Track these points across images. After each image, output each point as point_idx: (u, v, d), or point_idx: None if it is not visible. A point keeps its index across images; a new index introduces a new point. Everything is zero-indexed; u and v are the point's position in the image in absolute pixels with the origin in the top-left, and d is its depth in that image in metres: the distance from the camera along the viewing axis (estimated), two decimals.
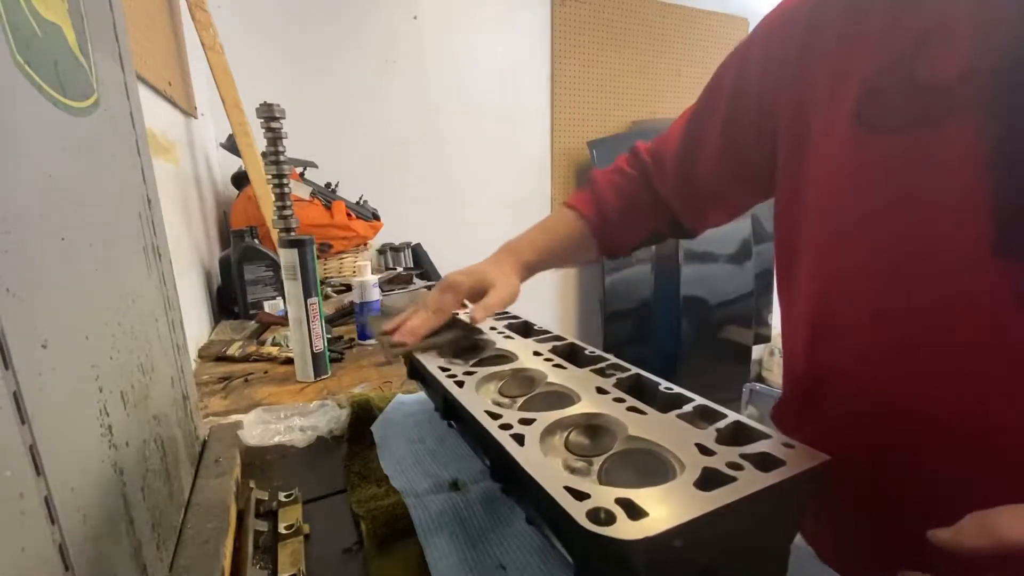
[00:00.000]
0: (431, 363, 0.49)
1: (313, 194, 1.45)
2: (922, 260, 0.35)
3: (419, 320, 0.52)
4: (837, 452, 0.43)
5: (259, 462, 0.56)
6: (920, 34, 0.34)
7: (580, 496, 0.27)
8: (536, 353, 0.50)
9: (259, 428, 0.61)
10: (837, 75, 0.40)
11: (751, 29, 2.25)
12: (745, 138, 0.51)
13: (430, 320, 0.52)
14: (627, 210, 0.61)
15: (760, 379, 2.96)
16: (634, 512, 0.26)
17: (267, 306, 1.16)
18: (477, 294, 0.54)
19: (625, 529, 0.25)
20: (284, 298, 0.84)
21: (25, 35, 0.25)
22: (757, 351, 2.93)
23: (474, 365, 0.49)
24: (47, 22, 0.28)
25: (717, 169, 0.55)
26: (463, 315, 0.59)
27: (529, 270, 0.58)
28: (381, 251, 1.87)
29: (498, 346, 0.54)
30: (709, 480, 0.29)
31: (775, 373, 2.92)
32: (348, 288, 1.30)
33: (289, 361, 0.83)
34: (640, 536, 0.24)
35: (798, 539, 0.57)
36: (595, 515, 0.26)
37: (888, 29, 0.36)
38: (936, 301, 0.35)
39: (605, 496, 0.27)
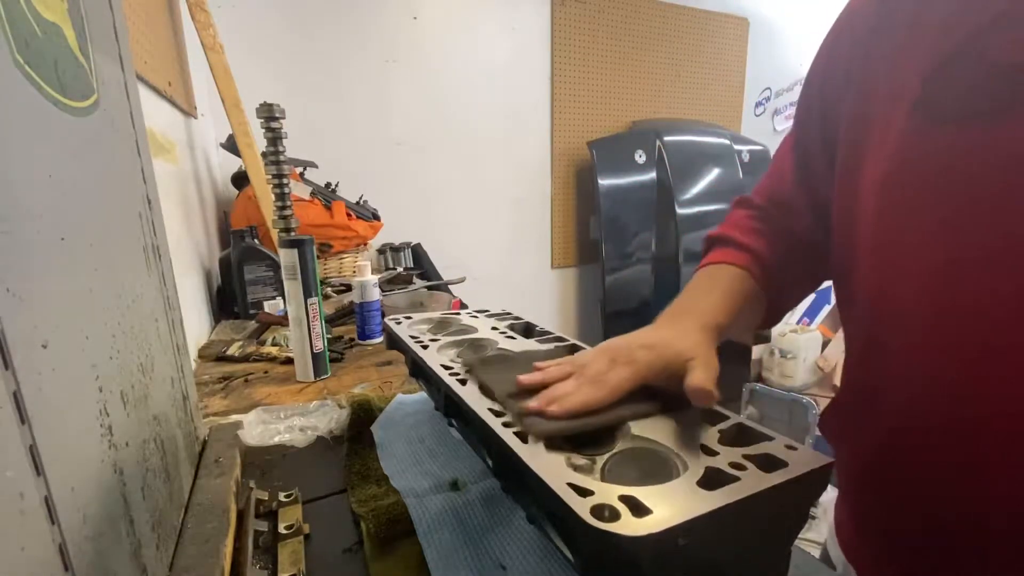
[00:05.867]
0: (433, 361, 0.49)
1: (313, 194, 1.45)
2: (988, 263, 0.32)
3: (571, 387, 0.37)
4: (884, 466, 0.41)
5: (259, 462, 0.56)
6: (997, 12, 0.30)
7: (584, 492, 0.27)
8: None
9: (259, 428, 0.61)
10: (901, 63, 0.36)
11: (751, 29, 2.22)
12: (814, 160, 0.47)
13: (587, 393, 0.37)
14: (781, 255, 0.52)
15: (760, 379, 2.96)
16: (638, 509, 0.26)
17: (267, 306, 1.16)
18: (663, 372, 0.39)
19: (630, 526, 0.25)
20: (284, 298, 0.84)
21: (25, 35, 0.25)
22: (757, 351, 2.93)
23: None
24: (47, 22, 0.28)
25: (802, 200, 0.50)
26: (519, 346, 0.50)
27: (719, 335, 0.44)
28: (381, 251, 1.87)
29: (500, 346, 0.54)
30: (712, 480, 0.29)
31: (775, 373, 2.92)
32: (348, 288, 1.30)
33: (289, 361, 0.83)
34: (645, 533, 0.24)
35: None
36: (599, 512, 0.26)
37: (961, 8, 0.32)
38: (1003, 307, 0.31)
39: (609, 493, 0.27)
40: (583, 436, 0.35)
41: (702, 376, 0.37)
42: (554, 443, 0.34)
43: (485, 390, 0.41)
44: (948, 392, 0.35)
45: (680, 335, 0.41)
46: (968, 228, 0.33)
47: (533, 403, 0.36)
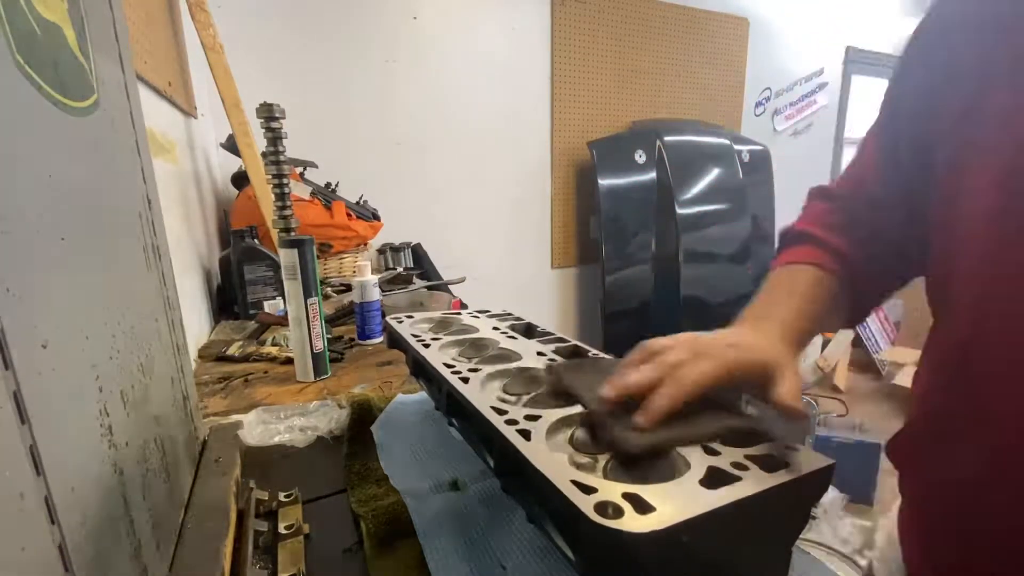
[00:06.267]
0: (435, 359, 0.49)
1: (313, 194, 1.45)
2: None
3: (666, 397, 0.34)
4: (971, 496, 0.37)
5: (259, 462, 0.56)
6: None
7: (588, 490, 0.27)
8: (540, 354, 0.50)
9: (259, 428, 0.61)
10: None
11: (751, 29, 2.22)
12: (904, 154, 0.44)
13: (680, 394, 0.34)
14: (865, 253, 0.48)
15: None
16: (641, 507, 0.26)
17: (267, 306, 1.16)
18: (746, 375, 0.37)
19: (634, 523, 0.25)
20: (284, 298, 0.84)
21: (25, 35, 0.25)
22: None
23: (479, 363, 0.49)
24: (47, 22, 0.28)
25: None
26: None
27: (801, 343, 0.42)
28: (381, 251, 1.87)
29: (501, 346, 0.54)
30: (715, 479, 0.29)
31: None
32: (348, 288, 1.30)
33: (289, 361, 0.82)
34: (649, 530, 0.24)
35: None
36: (603, 509, 0.26)
37: None
38: None
39: (612, 490, 0.27)
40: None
41: (791, 390, 0.35)
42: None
43: (579, 399, 0.39)
44: None
45: (764, 341, 0.39)
46: None
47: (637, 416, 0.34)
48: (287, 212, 0.77)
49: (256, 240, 1.20)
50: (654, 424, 0.33)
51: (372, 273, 0.98)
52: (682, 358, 0.36)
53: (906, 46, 0.42)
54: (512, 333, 0.57)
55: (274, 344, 0.93)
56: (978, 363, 0.35)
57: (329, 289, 1.34)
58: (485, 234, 2.24)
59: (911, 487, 0.44)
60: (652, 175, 2.29)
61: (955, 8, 0.39)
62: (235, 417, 0.63)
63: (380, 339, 0.98)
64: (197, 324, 1.05)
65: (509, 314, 0.67)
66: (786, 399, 0.34)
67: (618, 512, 0.26)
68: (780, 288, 0.48)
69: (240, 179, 1.44)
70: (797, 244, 0.51)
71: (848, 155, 2.00)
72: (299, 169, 1.55)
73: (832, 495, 1.61)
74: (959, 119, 0.37)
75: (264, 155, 0.79)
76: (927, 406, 0.41)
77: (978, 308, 0.35)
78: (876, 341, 3.18)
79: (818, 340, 2.93)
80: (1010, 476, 0.34)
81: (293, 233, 0.78)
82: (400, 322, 0.64)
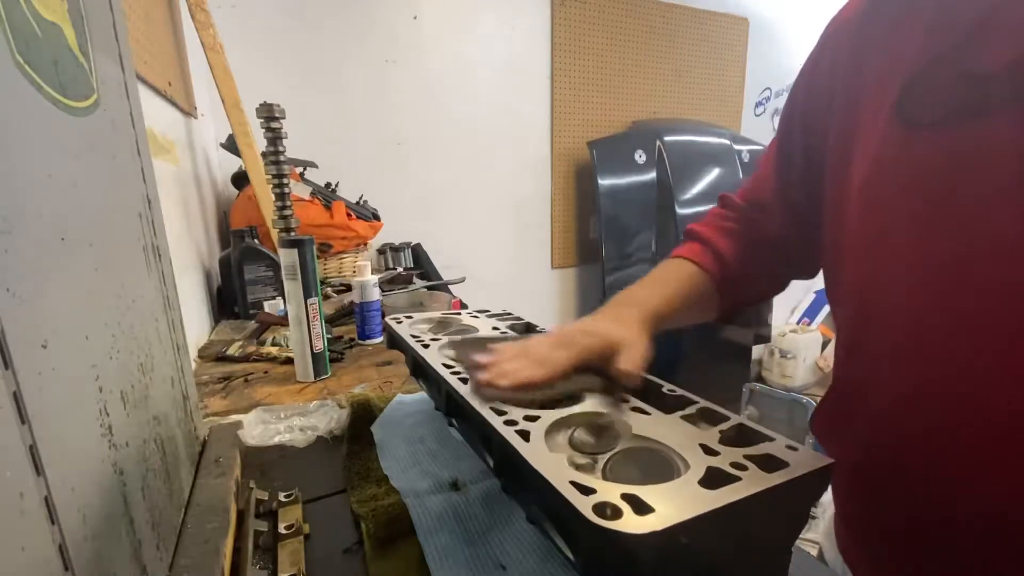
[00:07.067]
0: (434, 359, 0.49)
1: (313, 194, 1.45)
2: (965, 265, 0.33)
3: (516, 365, 0.40)
4: (866, 466, 0.42)
5: (259, 462, 0.56)
6: (973, 23, 0.32)
7: (586, 491, 0.27)
8: None
9: (259, 428, 0.61)
10: (885, 66, 0.38)
11: (751, 29, 2.22)
12: (793, 169, 0.50)
13: (531, 370, 0.40)
14: (746, 256, 0.54)
15: (760, 379, 2.96)
16: (640, 508, 0.26)
17: (267, 306, 1.16)
18: (599, 356, 0.42)
19: (632, 524, 0.25)
20: (284, 298, 0.84)
21: (25, 35, 0.25)
22: (757, 351, 2.93)
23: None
24: (47, 22, 0.28)
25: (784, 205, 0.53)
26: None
27: (656, 325, 0.47)
28: (381, 251, 1.87)
29: None
30: (713, 479, 0.29)
31: (775, 373, 2.92)
32: (348, 288, 1.30)
33: (289, 361, 0.83)
34: (647, 531, 0.24)
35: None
36: (601, 510, 0.26)
37: (941, 18, 0.34)
38: (980, 308, 0.32)
39: (611, 491, 0.27)
40: (581, 429, 0.37)
41: (627, 359, 0.41)
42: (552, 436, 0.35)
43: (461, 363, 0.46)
44: (918, 395, 0.36)
45: (617, 323, 0.45)
46: (939, 231, 0.34)
47: (485, 375, 0.40)
48: (287, 212, 0.77)
49: (256, 240, 1.20)
50: (510, 388, 0.38)
51: (372, 273, 0.98)
52: (544, 351, 0.42)
53: (803, 65, 0.49)
54: (512, 333, 0.57)
55: (274, 344, 0.93)
56: (863, 338, 0.41)
57: (329, 289, 1.34)
58: (485, 234, 2.24)
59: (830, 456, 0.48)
60: (652, 175, 2.28)
61: (836, 29, 0.45)
62: (235, 417, 0.63)
63: (380, 339, 0.98)
64: (197, 324, 1.05)
65: (509, 314, 0.67)
66: (619, 366, 0.40)
67: (617, 513, 0.26)
68: (653, 279, 0.54)
69: (240, 179, 1.44)
70: (688, 241, 0.57)
71: None
72: (299, 169, 1.55)
73: (831, 495, 1.61)
74: (838, 134, 0.43)
75: (264, 155, 0.79)
76: (835, 380, 0.47)
77: (860, 295, 0.41)
78: None
79: (818, 340, 2.93)
80: (889, 441, 0.40)
81: (293, 233, 0.78)
82: (399, 322, 0.64)
